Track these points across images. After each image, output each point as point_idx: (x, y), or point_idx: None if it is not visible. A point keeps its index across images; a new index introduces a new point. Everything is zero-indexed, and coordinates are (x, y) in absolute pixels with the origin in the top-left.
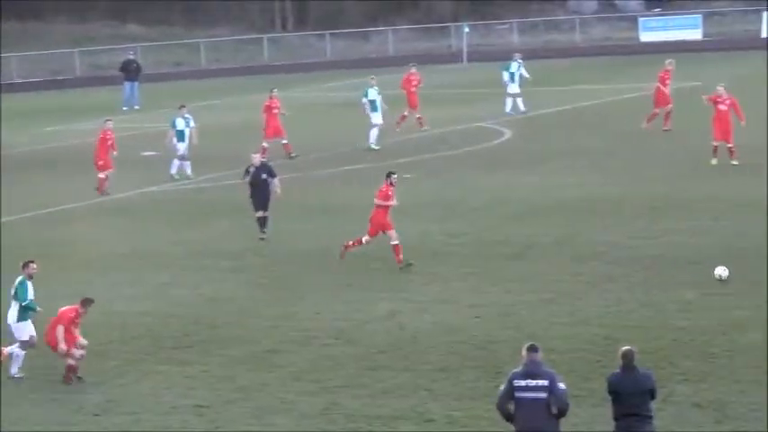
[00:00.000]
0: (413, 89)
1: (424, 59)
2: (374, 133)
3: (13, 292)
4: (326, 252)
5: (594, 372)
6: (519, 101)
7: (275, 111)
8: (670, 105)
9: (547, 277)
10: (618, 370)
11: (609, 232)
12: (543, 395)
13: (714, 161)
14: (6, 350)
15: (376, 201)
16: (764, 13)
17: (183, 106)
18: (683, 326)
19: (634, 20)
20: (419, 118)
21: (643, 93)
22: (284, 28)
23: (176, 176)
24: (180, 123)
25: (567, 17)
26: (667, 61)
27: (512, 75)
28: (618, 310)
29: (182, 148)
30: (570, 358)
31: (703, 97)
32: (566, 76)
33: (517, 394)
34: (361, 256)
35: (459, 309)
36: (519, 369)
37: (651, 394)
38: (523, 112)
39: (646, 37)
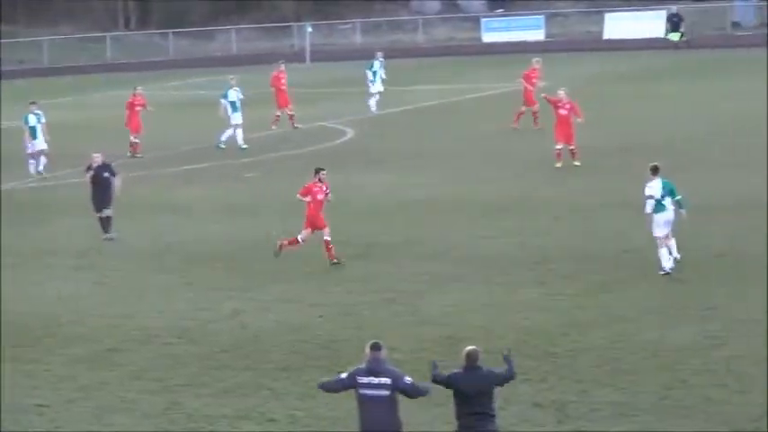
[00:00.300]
0: (282, 87)
1: (268, 59)
2: (231, 133)
3: None
4: (169, 251)
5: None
6: (373, 100)
7: (138, 108)
8: (537, 105)
9: (389, 277)
10: (459, 369)
11: (451, 232)
12: (386, 393)
13: (558, 164)
14: None
15: (298, 196)
16: (606, 15)
17: (34, 102)
18: (526, 326)
19: (477, 20)
20: (291, 116)
21: (487, 93)
22: (127, 26)
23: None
24: (32, 120)
25: (410, 17)
26: (534, 59)
27: (374, 74)
28: (460, 310)
29: (37, 144)
30: (413, 358)
31: (542, 96)
32: (409, 77)
33: (360, 391)
34: (203, 256)
35: (301, 308)
36: (362, 366)
37: (501, 382)
38: (372, 113)
39: (488, 37)
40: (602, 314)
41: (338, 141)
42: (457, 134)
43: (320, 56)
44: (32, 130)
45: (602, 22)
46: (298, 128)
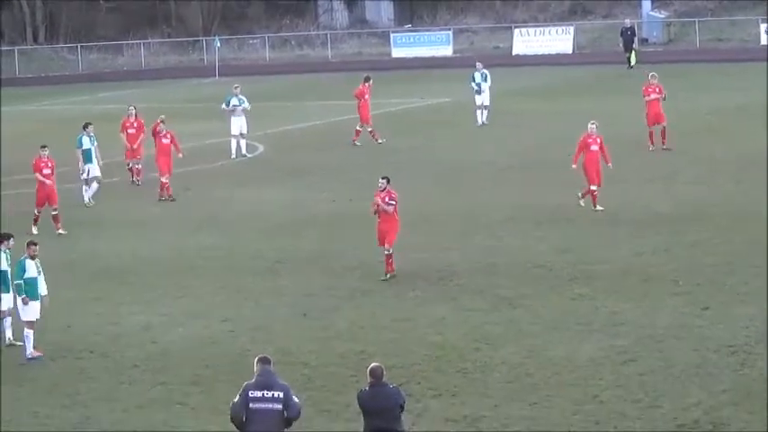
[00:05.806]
0: (365, 101)
1: (177, 73)
2: (241, 143)
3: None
4: (76, 265)
5: (348, 386)
6: (482, 112)
7: (131, 131)
8: (663, 122)
9: (300, 292)
10: (366, 387)
11: (360, 247)
12: (279, 406)
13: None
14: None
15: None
16: (515, 31)
17: (89, 124)
18: (436, 341)
19: (386, 35)
20: (372, 131)
21: (397, 108)
22: (35, 40)
23: None
24: (86, 142)
25: (319, 32)
26: (650, 74)
27: (479, 85)
28: (371, 325)
29: (91, 170)
30: (324, 373)
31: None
32: (317, 91)
33: (252, 405)
34: (112, 270)
35: (212, 323)
36: (253, 380)
37: (401, 408)
38: (478, 125)
39: (397, 52)
40: (511, 329)
41: (249, 156)
42: (366, 149)
43: (229, 70)
44: (87, 154)
45: (510, 38)
46: (381, 143)
